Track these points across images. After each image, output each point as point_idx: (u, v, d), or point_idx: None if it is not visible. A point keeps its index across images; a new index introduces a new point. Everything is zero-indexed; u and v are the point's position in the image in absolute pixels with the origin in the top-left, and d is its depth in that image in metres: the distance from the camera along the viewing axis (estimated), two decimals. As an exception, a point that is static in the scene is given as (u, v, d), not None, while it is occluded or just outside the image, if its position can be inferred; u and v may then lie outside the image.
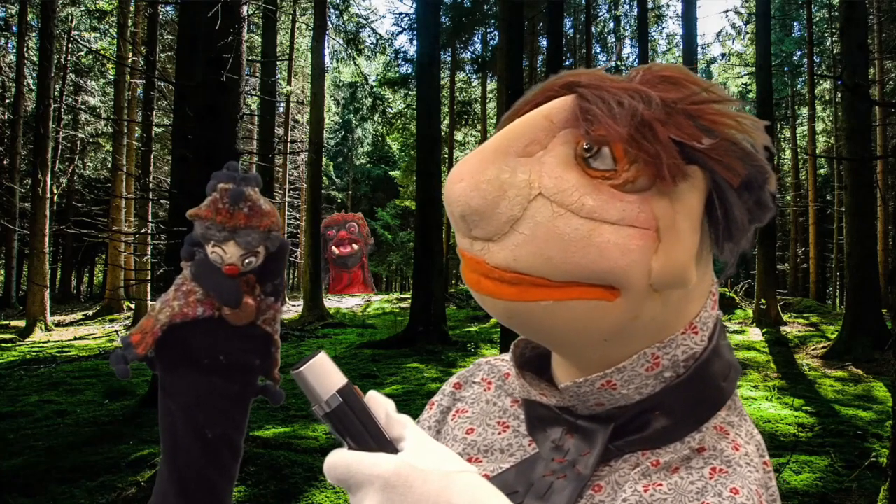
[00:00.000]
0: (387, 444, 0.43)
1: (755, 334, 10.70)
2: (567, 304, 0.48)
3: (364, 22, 20.21)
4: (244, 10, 5.72)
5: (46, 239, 13.22)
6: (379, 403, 0.45)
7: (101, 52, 19.56)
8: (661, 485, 0.50)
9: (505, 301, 0.49)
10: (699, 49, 23.89)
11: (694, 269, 0.49)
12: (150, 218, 12.99)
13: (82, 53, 19.93)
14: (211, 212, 2.08)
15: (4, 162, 18.08)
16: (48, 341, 12.23)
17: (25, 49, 16.00)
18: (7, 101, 18.29)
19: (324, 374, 0.43)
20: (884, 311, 9.06)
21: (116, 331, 13.41)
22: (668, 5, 24.56)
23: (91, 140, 21.80)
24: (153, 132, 15.40)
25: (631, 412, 0.52)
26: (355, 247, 3.89)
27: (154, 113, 14.66)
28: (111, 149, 18.90)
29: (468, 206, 0.48)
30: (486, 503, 0.41)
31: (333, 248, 4.01)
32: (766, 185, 0.50)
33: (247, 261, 2.11)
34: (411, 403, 6.27)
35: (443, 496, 0.40)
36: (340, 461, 0.42)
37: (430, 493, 0.40)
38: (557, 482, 0.52)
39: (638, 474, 0.52)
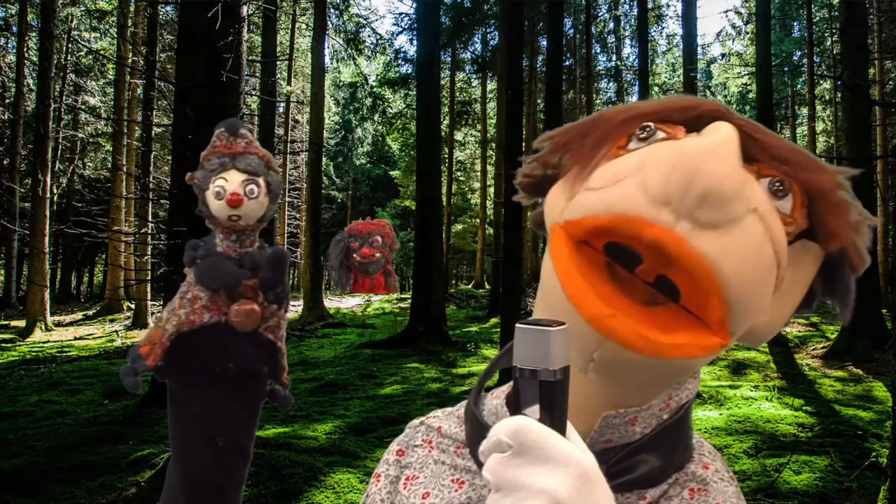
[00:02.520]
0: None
1: (755, 334, 10.69)
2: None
3: (364, 22, 20.23)
4: (244, 10, 5.72)
5: (46, 239, 13.23)
6: None
7: (101, 52, 19.56)
8: None
9: (646, 349, 0.46)
10: (699, 49, 23.89)
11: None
12: (150, 218, 12.99)
13: (82, 53, 19.93)
14: (209, 150, 2.14)
15: (4, 162, 18.08)
16: (48, 341, 12.23)
17: (25, 49, 16.00)
18: (7, 101, 18.29)
19: (565, 345, 0.42)
20: (884, 311, 9.06)
21: (116, 331, 13.41)
22: (668, 5, 24.53)
23: (91, 140, 21.80)
24: (153, 132, 15.41)
25: (618, 454, 0.52)
26: (377, 255, 3.92)
27: (154, 113, 14.67)
28: (111, 149, 18.90)
29: (719, 188, 0.44)
30: None
31: (356, 256, 4.05)
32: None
33: (249, 188, 2.11)
34: (411, 403, 6.26)
35: None
36: (538, 429, 0.40)
37: (610, 501, 0.41)
38: None
39: None
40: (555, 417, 0.41)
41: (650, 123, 0.52)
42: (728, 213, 0.45)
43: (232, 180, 2.10)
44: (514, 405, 0.42)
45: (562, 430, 0.41)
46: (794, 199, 0.49)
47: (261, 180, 2.14)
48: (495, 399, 0.59)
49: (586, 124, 0.56)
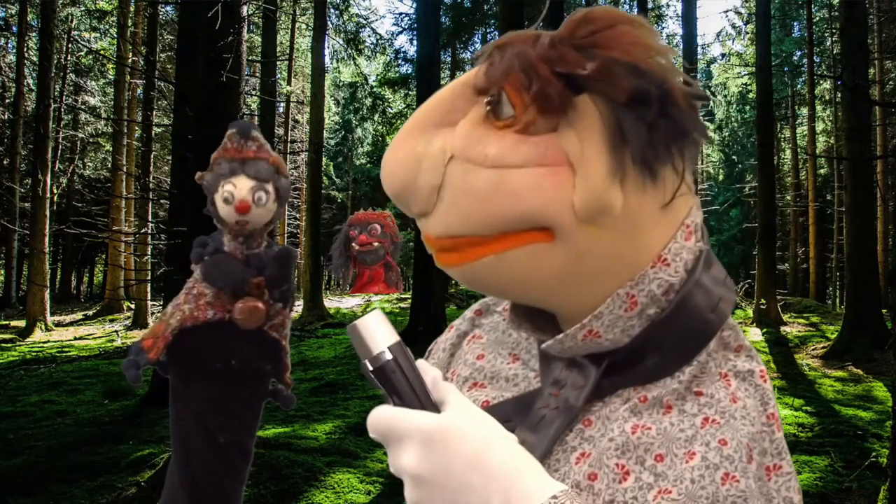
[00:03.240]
0: (431, 405, 0.43)
1: (755, 334, 10.70)
2: (507, 254, 0.48)
3: (364, 22, 20.22)
4: (244, 10, 5.72)
5: (46, 239, 13.22)
6: (427, 370, 0.46)
7: (101, 52, 19.56)
8: (650, 428, 0.50)
9: (455, 267, 0.51)
10: (699, 49, 23.88)
11: (614, 192, 0.46)
12: (150, 218, 12.98)
13: (82, 53, 19.93)
14: (220, 153, 2.13)
15: (4, 162, 18.07)
16: (48, 341, 12.22)
17: (25, 49, 15.99)
18: (7, 101, 18.29)
19: (377, 330, 0.44)
20: (884, 311, 9.06)
21: (116, 331, 13.41)
22: (668, 5, 24.45)
23: (91, 140, 21.80)
24: (153, 132, 15.40)
25: (624, 349, 0.52)
26: (375, 244, 3.87)
27: (154, 113, 14.67)
28: (111, 149, 18.90)
29: (393, 187, 0.51)
30: (521, 469, 0.41)
31: (354, 244, 4.04)
32: (671, 98, 0.47)
33: (257, 195, 2.09)
34: (411, 403, 6.26)
35: (480, 457, 0.41)
36: (383, 415, 0.43)
37: (468, 453, 0.41)
38: (549, 414, 0.52)
39: (627, 411, 0.51)
40: (402, 394, 0.43)
41: None
42: (421, 196, 0.49)
43: (241, 187, 2.08)
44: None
45: (413, 404, 0.43)
46: (511, 100, 0.48)
47: (270, 186, 2.12)
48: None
49: None
